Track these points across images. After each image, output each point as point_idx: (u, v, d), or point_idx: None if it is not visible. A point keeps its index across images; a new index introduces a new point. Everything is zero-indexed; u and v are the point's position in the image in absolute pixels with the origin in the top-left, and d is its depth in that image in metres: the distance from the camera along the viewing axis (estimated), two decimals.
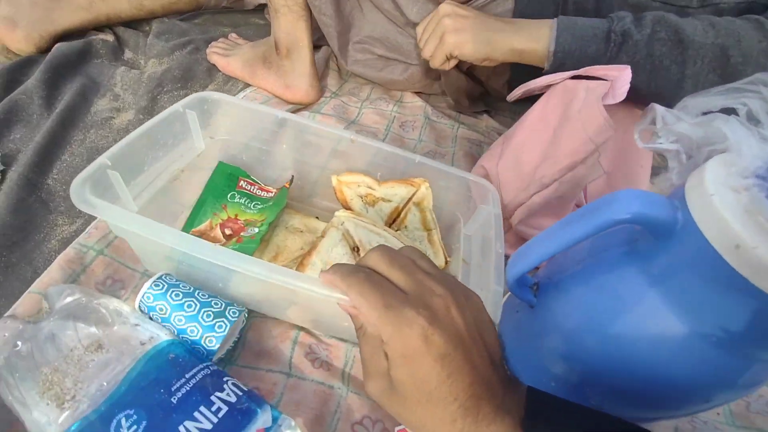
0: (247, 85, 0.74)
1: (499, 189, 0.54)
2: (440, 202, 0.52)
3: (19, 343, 0.31)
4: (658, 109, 0.32)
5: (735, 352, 0.26)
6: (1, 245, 0.44)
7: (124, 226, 0.33)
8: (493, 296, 0.35)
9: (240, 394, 0.33)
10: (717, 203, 0.23)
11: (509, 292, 0.48)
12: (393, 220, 0.51)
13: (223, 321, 0.37)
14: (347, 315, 0.28)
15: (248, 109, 0.50)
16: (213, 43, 0.78)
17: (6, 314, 0.38)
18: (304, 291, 0.34)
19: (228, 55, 0.74)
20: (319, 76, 0.74)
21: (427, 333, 0.23)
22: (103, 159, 0.36)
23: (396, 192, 0.49)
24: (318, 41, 0.77)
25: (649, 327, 0.28)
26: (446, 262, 0.49)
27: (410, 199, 0.49)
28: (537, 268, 0.41)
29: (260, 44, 0.74)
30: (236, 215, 0.47)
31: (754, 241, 0.21)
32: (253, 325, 0.43)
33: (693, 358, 0.27)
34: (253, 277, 0.35)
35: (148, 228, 0.33)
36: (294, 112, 0.70)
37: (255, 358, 0.41)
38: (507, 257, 0.40)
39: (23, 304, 0.39)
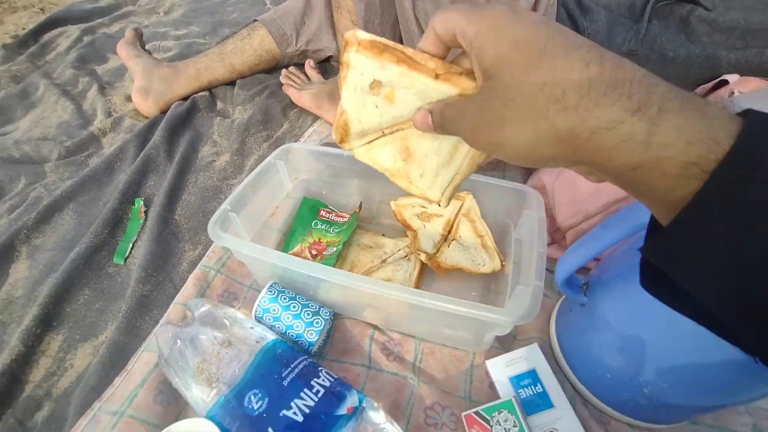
0: (316, 120, 0.85)
1: (553, 207, 0.56)
2: (492, 211, 0.57)
3: (178, 341, 0.43)
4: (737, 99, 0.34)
5: None
6: (151, 268, 0.59)
7: (244, 252, 0.44)
8: (533, 290, 0.39)
9: (332, 380, 0.42)
10: None
11: (564, 295, 0.51)
12: (448, 232, 0.57)
13: (319, 318, 0.46)
14: (412, 314, 0.33)
15: (321, 152, 0.60)
16: (286, 72, 0.90)
17: (163, 321, 0.52)
18: (377, 293, 0.41)
19: (301, 88, 0.86)
20: None
21: (513, 7, 0.19)
22: (225, 205, 0.48)
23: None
24: None
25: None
26: (502, 265, 0.54)
27: (459, 211, 0.54)
28: (587, 269, 0.45)
29: (329, 82, 0.85)
30: (319, 239, 0.57)
31: None
32: (337, 326, 0.52)
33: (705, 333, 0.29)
34: (339, 285, 0.43)
35: (262, 253, 0.44)
36: None
37: (341, 354, 0.50)
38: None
39: (172, 312, 0.52)
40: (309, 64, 0.92)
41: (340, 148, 0.30)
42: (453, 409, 0.44)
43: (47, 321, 0.55)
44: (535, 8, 0.63)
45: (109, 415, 0.43)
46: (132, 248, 0.64)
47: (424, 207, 0.57)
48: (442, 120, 0.22)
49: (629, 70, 0.16)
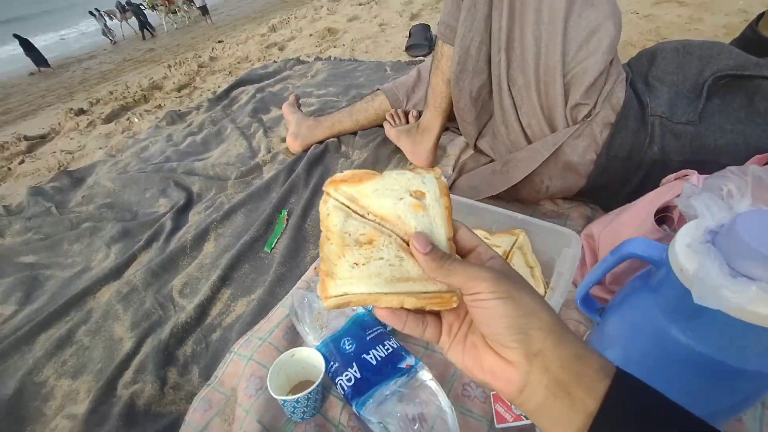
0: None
1: (598, 252, 0.68)
2: (542, 247, 0.70)
3: (305, 299, 0.66)
4: (685, 186, 0.47)
5: (704, 335, 0.37)
6: (287, 257, 0.86)
7: None
8: (554, 304, 0.52)
9: (398, 345, 0.60)
10: (677, 246, 0.38)
11: (594, 323, 0.61)
12: None
13: None
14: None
15: None
16: (392, 111, 1.18)
17: (295, 288, 0.77)
18: None
19: (393, 126, 1.13)
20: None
21: None
22: None
23: (503, 240, 0.70)
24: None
25: (651, 321, 0.42)
26: (545, 293, 0.66)
27: (513, 244, 0.69)
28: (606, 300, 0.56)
29: (412, 125, 1.09)
30: None
31: (688, 266, 0.36)
32: None
33: (670, 342, 0.40)
34: None
35: None
36: None
37: (406, 336, 0.67)
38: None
39: (300, 284, 0.77)
40: (413, 113, 1.18)
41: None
42: (484, 388, 0.58)
43: (223, 280, 0.85)
44: (605, 82, 0.76)
45: (257, 339, 0.67)
46: (276, 242, 0.92)
47: (487, 238, 0.73)
48: (442, 260, 0.26)
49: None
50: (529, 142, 0.82)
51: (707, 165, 0.62)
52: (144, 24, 9.81)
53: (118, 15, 10.48)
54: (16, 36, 8.71)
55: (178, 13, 10.22)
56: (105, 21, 10.02)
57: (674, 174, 0.62)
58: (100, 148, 1.63)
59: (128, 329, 0.80)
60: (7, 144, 2.14)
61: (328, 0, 3.60)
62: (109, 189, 1.29)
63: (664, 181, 0.65)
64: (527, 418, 0.52)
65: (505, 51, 0.74)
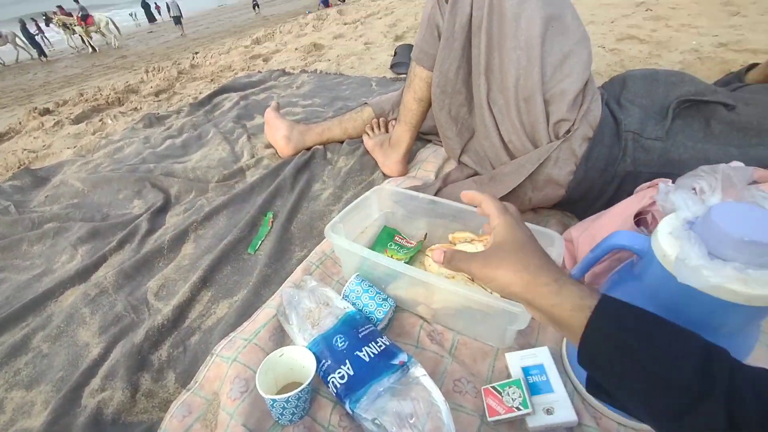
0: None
1: (577, 254, 0.70)
2: None
3: (295, 297, 0.65)
4: (660, 185, 0.50)
5: (682, 315, 0.40)
6: (272, 259, 0.84)
7: (346, 247, 0.66)
8: None
9: (389, 343, 0.59)
10: (660, 235, 0.41)
11: None
12: None
13: (386, 304, 0.65)
14: (455, 311, 0.53)
15: (404, 194, 0.82)
16: (374, 121, 1.20)
17: (283, 286, 0.74)
18: (433, 286, 0.59)
19: (370, 137, 1.15)
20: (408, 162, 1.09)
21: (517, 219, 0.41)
22: (336, 218, 0.71)
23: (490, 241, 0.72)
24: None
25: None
26: None
27: None
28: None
29: (385, 136, 1.12)
30: (392, 256, 0.77)
31: (671, 251, 0.39)
32: (397, 316, 0.69)
33: None
34: (402, 284, 0.62)
35: (359, 249, 0.65)
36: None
37: (396, 336, 0.66)
38: None
39: (286, 285, 0.75)
40: (391, 123, 1.21)
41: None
42: (475, 383, 0.57)
43: (203, 282, 0.81)
44: (582, 101, 0.81)
45: (242, 340, 0.64)
46: (260, 244, 0.90)
47: (474, 240, 0.74)
48: (450, 258, 0.41)
49: (556, 266, 0.35)
50: (511, 156, 0.86)
51: (673, 177, 0.68)
52: (42, 51, 10.20)
53: (9, 38, 10.47)
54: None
55: (97, 34, 10.31)
56: None
57: (647, 183, 0.67)
58: (68, 148, 1.55)
59: (96, 334, 0.74)
60: None
61: (314, 18, 3.67)
62: (77, 189, 1.22)
63: (638, 189, 0.70)
64: (518, 409, 0.51)
65: (484, 75, 0.79)
